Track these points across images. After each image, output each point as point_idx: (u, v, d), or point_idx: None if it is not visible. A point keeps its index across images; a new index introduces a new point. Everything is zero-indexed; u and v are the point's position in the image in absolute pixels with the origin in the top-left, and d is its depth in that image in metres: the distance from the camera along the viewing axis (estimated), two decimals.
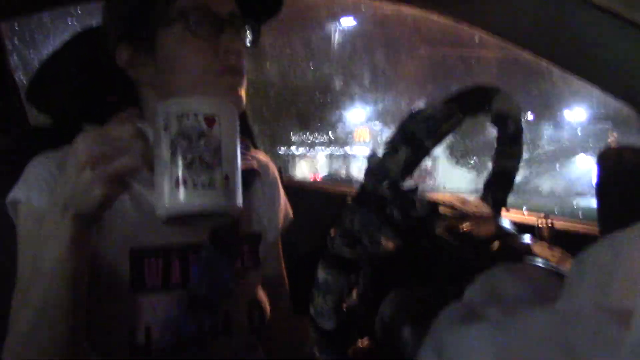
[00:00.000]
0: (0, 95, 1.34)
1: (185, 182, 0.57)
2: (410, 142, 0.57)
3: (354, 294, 0.68)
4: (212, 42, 0.79)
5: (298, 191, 1.41)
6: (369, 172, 0.59)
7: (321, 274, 0.61)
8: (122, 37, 0.81)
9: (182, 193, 0.57)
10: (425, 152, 0.58)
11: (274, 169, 1.05)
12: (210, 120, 0.58)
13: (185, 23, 0.78)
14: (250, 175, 0.95)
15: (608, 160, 0.75)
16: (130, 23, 0.81)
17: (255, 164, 0.98)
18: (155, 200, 0.59)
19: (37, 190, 0.76)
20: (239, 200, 0.61)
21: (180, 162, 0.57)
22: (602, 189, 0.75)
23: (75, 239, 0.63)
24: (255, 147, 1.64)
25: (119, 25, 0.82)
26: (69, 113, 0.99)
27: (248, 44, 0.85)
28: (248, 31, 0.86)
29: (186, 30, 0.78)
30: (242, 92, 0.83)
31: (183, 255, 0.83)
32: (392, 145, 0.58)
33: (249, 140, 1.15)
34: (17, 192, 0.78)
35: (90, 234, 0.66)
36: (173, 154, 0.57)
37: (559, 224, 1.21)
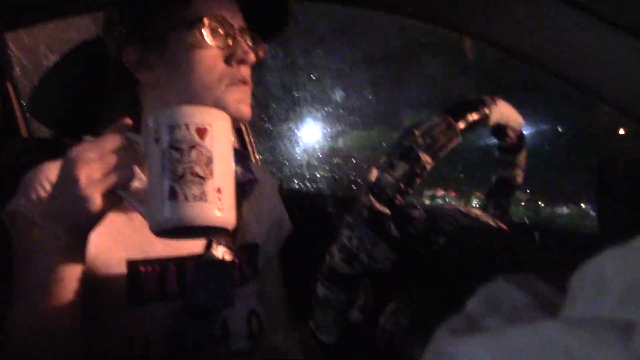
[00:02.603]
0: (3, 105, 1.34)
1: (176, 195, 0.55)
2: (407, 157, 0.57)
3: (355, 306, 0.67)
4: (227, 51, 0.80)
5: (297, 203, 1.41)
6: (366, 187, 0.58)
7: (320, 289, 0.60)
8: (132, 38, 0.81)
9: (173, 206, 0.55)
10: (424, 167, 0.57)
11: (272, 181, 1.06)
12: (201, 131, 0.57)
13: (203, 28, 0.78)
14: (248, 186, 0.95)
15: (608, 167, 0.75)
16: (143, 23, 0.81)
17: (253, 175, 0.98)
18: (147, 214, 0.59)
19: (34, 202, 0.76)
20: (233, 213, 0.59)
21: (171, 175, 0.56)
22: (603, 196, 0.75)
23: (69, 251, 0.62)
24: (255, 160, 1.65)
25: (130, 25, 0.82)
26: (70, 124, 0.99)
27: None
28: (256, 46, 0.86)
29: (203, 35, 0.78)
30: (250, 105, 0.84)
31: (180, 265, 0.83)
32: (389, 160, 0.57)
33: (247, 152, 1.15)
34: (14, 204, 0.78)
35: (84, 245, 0.65)
36: (164, 166, 0.56)
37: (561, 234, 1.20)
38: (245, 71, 0.82)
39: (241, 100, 0.81)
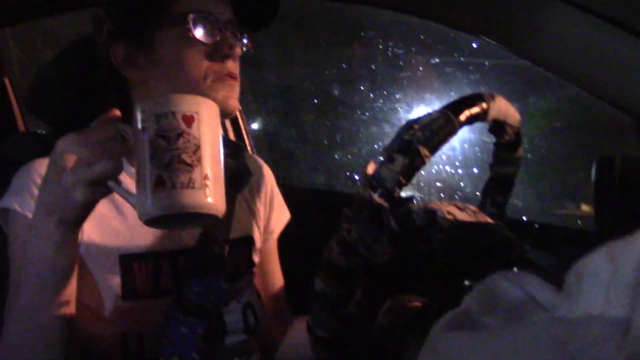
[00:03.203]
0: (0, 101, 1.34)
1: (164, 183, 0.55)
2: (407, 150, 0.57)
3: (352, 302, 0.67)
4: (212, 46, 0.80)
5: (296, 195, 1.41)
6: (365, 180, 0.58)
7: (318, 283, 0.60)
8: (119, 35, 0.81)
9: (161, 194, 0.56)
10: (422, 160, 0.57)
11: (269, 172, 1.05)
12: (188, 119, 0.57)
13: (187, 25, 0.78)
14: (242, 179, 0.95)
15: (606, 167, 0.75)
16: (129, 21, 0.81)
17: (247, 168, 0.98)
18: (136, 202, 0.59)
19: (26, 197, 0.76)
20: (222, 200, 0.59)
21: (159, 163, 0.56)
22: (600, 196, 0.75)
23: (61, 243, 0.62)
24: (251, 152, 1.64)
25: (116, 23, 0.82)
26: (67, 120, 0.99)
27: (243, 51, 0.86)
28: (244, 39, 0.86)
29: (188, 32, 0.78)
30: (237, 98, 0.84)
31: (174, 260, 0.83)
32: (389, 154, 0.57)
33: (243, 144, 1.15)
34: (7, 200, 0.78)
35: (76, 238, 0.65)
36: (152, 155, 0.56)
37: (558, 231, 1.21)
38: (231, 65, 0.82)
39: (228, 95, 0.81)
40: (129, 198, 0.60)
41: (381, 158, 0.58)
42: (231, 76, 0.82)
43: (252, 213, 0.98)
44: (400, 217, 0.59)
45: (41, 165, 0.79)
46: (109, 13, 0.82)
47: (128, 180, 0.79)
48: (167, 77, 0.79)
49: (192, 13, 0.78)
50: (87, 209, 0.62)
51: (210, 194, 0.57)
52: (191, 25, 0.78)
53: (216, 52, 0.80)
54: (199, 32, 0.78)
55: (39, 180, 0.77)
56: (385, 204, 0.57)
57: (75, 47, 1.00)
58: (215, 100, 0.77)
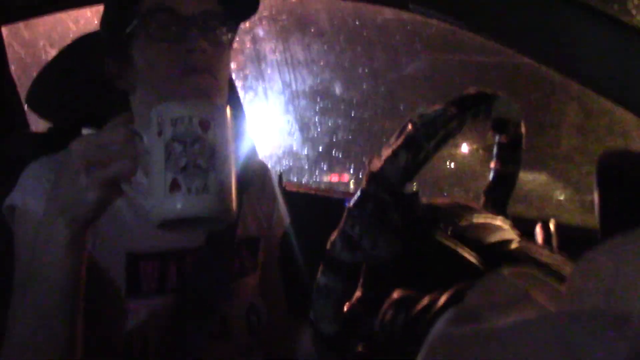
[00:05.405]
0: (1, 99, 1.34)
1: (179, 187, 0.56)
2: (411, 146, 0.57)
3: (355, 298, 0.68)
4: (176, 44, 0.78)
5: (297, 196, 1.41)
6: (369, 175, 0.59)
7: (321, 279, 0.61)
8: (108, 51, 0.83)
9: (176, 198, 0.56)
10: (426, 156, 0.58)
11: (270, 173, 1.06)
12: (205, 125, 0.58)
13: (146, 27, 0.77)
14: (247, 178, 0.95)
15: (608, 164, 0.75)
16: (111, 36, 0.82)
17: (251, 166, 0.98)
18: (150, 205, 0.59)
19: (33, 195, 0.76)
20: (234, 205, 0.60)
21: (174, 167, 0.56)
22: (602, 193, 0.75)
23: (71, 244, 0.63)
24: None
25: (105, 39, 0.84)
26: (69, 118, 0.99)
27: (225, 43, 0.82)
28: (224, 30, 0.82)
29: (148, 34, 0.77)
30: (215, 92, 0.80)
31: (180, 260, 0.83)
32: (393, 149, 0.58)
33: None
34: (14, 198, 0.78)
35: (85, 238, 0.65)
36: (167, 159, 0.57)
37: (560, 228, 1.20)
38: (198, 59, 0.78)
39: (197, 89, 0.78)
40: (142, 200, 0.61)
41: (385, 153, 0.58)
42: (197, 71, 0.78)
43: (256, 213, 0.98)
44: (405, 212, 0.59)
45: (48, 164, 0.79)
46: (102, 31, 0.85)
47: (140, 181, 0.79)
48: (146, 82, 0.80)
49: (151, 13, 0.77)
50: (99, 209, 0.62)
51: (223, 198, 0.58)
52: (151, 25, 0.77)
53: (180, 47, 0.77)
54: (158, 31, 0.77)
55: (44, 179, 0.77)
56: (389, 199, 0.57)
57: (77, 46, 1.00)
58: (186, 95, 0.76)
